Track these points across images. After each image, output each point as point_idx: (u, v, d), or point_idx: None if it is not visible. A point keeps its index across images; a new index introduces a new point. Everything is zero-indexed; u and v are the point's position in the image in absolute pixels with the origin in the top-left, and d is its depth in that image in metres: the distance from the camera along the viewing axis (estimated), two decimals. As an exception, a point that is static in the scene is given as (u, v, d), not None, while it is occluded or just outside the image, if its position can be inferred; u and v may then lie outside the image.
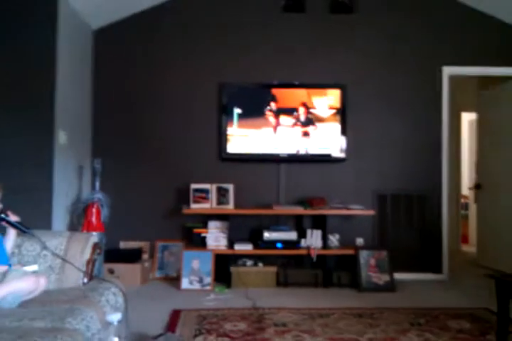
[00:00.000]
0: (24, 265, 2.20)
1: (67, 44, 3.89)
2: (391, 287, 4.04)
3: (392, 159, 4.63)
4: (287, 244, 4.18)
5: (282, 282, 4.13)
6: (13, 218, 2.20)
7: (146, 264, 4.27)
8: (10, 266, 2.10)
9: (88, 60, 4.50)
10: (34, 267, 2.12)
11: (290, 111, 4.47)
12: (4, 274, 1.96)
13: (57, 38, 3.68)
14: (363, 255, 4.18)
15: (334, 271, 4.19)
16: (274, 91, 4.47)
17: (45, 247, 2.30)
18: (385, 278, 4.09)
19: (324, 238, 4.23)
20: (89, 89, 4.53)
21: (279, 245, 4.17)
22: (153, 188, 4.52)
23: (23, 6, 3.62)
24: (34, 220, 2.89)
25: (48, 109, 3.64)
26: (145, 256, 4.41)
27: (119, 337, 1.78)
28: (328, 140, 4.47)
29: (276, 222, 4.49)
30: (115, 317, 1.80)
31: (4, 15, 3.60)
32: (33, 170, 3.56)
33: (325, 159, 4.51)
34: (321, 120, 4.48)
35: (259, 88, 4.50)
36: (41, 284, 2.03)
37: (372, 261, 4.16)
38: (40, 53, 3.64)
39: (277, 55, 4.61)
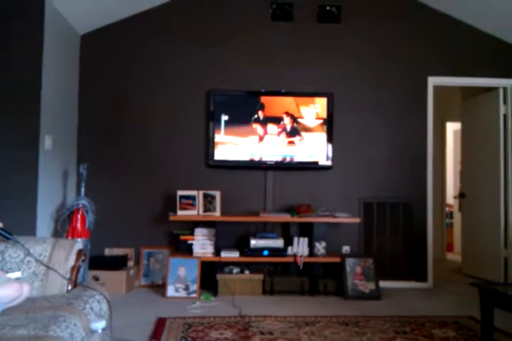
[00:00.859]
0: (7, 272, 2.17)
1: (54, 49, 3.87)
2: (376, 295, 4.05)
3: (378, 167, 4.67)
4: (274, 251, 4.18)
5: (269, 290, 4.12)
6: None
7: (132, 271, 4.22)
8: (-8, 272, 2.07)
9: (75, 65, 4.48)
10: (17, 274, 2.09)
11: (277, 120, 4.49)
12: (-14, 281, 1.93)
13: (44, 43, 3.66)
14: (349, 263, 4.19)
15: (320, 279, 4.19)
16: (261, 99, 4.49)
17: (28, 254, 2.27)
18: (371, 286, 4.10)
19: (311, 245, 4.24)
20: (76, 94, 4.51)
21: (265, 252, 4.16)
22: (139, 194, 4.50)
23: (8, 11, 3.60)
24: (18, 226, 2.85)
25: (33, 113, 3.61)
26: (130, 263, 4.37)
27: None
28: (315, 148, 4.50)
29: (263, 230, 4.50)
30: (99, 324, 1.77)
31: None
32: (17, 176, 3.52)
33: (312, 167, 4.53)
34: (308, 130, 4.50)
35: (247, 96, 4.51)
36: (24, 291, 2.00)
37: (358, 269, 4.17)
38: (26, 58, 3.62)
39: (265, 63, 4.64)
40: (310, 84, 4.64)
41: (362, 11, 4.73)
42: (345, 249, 4.55)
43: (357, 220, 4.37)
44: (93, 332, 1.79)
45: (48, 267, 2.26)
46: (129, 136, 4.55)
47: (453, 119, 6.51)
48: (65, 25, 4.15)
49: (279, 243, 4.22)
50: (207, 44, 4.63)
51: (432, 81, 4.74)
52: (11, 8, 3.60)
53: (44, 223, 3.73)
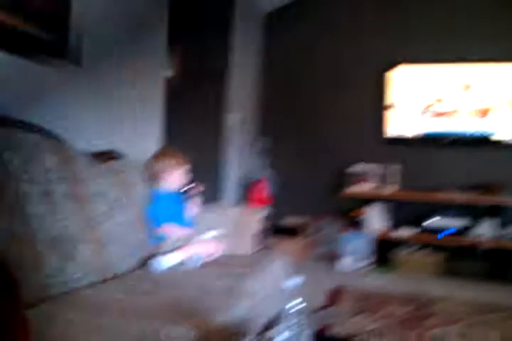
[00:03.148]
0: (205, 231, 2.45)
1: (241, 30, 4.11)
2: None
3: None
4: (455, 231, 3.94)
5: (447, 271, 3.90)
6: (197, 190, 2.47)
7: (308, 241, 4.38)
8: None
9: (258, 45, 4.70)
10: (214, 233, 2.34)
11: (469, 93, 4.15)
12: (190, 237, 2.22)
13: (234, 24, 3.92)
14: (547, 250, 3.73)
15: (509, 265, 3.82)
16: (454, 70, 4.18)
17: (221, 217, 2.54)
18: None
19: (499, 228, 3.87)
20: (257, 72, 4.75)
21: (445, 232, 3.94)
22: (316, 168, 4.59)
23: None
24: (209, 194, 3.19)
25: (221, 94, 3.93)
26: (306, 233, 4.53)
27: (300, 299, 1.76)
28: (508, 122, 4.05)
29: (444, 208, 4.21)
30: (295, 280, 1.77)
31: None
32: (209, 150, 3.89)
33: (503, 143, 4.08)
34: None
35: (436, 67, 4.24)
36: (219, 249, 2.26)
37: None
38: (217, 43, 3.89)
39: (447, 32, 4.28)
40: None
41: None
42: (543, 234, 4.04)
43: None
44: (284, 289, 1.87)
45: (237, 230, 2.50)
46: (309, 113, 4.66)
47: None
48: (251, 4, 4.36)
49: (461, 223, 3.95)
50: (392, 15, 4.46)
51: None
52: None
53: (232, 192, 4.09)
